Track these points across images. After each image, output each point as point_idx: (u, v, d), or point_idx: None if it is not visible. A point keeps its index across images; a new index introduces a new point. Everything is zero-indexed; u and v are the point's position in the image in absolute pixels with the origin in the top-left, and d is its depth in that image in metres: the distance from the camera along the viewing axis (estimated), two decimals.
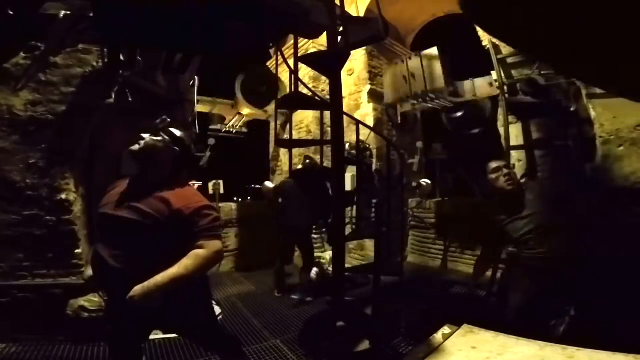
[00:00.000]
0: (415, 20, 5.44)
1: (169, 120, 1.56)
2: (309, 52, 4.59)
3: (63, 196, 2.52)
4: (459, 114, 4.84)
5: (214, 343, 1.70)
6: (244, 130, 6.45)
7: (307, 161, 3.86)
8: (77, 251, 2.55)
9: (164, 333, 2.28)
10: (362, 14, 4.63)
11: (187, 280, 1.26)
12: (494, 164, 2.03)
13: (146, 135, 1.46)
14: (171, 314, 1.41)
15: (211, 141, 4.82)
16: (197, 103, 4.24)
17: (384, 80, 4.78)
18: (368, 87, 4.96)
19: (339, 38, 2.26)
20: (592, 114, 2.51)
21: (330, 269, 4.10)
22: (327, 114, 2.34)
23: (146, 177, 1.45)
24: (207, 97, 5.46)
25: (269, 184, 4.30)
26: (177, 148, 1.47)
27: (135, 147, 1.44)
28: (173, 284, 1.23)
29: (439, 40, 4.50)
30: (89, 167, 2.86)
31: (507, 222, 1.96)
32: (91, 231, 2.83)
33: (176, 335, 2.40)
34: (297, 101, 2.58)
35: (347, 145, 3.78)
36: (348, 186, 3.93)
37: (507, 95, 3.17)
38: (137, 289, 1.20)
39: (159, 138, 1.46)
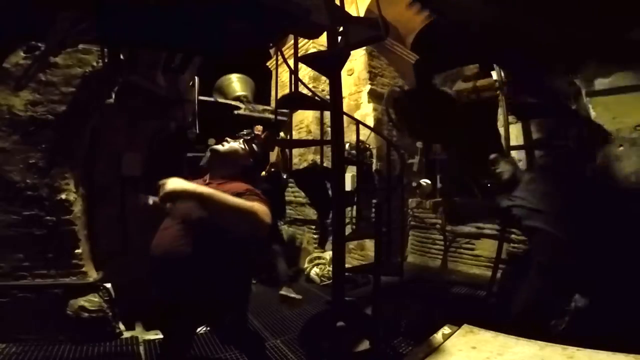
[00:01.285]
0: (416, 20, 5.44)
1: (254, 134, 1.76)
2: (309, 52, 4.59)
3: (63, 196, 2.52)
4: None
5: (240, 338, 1.74)
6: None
7: (272, 169, 4.03)
8: (77, 251, 2.55)
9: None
10: (362, 14, 4.63)
11: (219, 208, 1.22)
12: (492, 156, 2.40)
13: (231, 141, 1.67)
14: (211, 301, 1.45)
15: (211, 141, 4.80)
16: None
17: None
18: (368, 87, 4.95)
19: (339, 38, 2.25)
20: (592, 114, 2.51)
21: (330, 269, 4.11)
22: (327, 114, 2.34)
23: (218, 173, 1.60)
24: (208, 98, 5.45)
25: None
26: (251, 159, 1.68)
27: (220, 147, 1.63)
28: (205, 197, 1.22)
29: (440, 40, 4.51)
30: (89, 167, 2.87)
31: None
32: (91, 231, 2.84)
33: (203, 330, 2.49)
34: (297, 101, 2.58)
35: (347, 145, 3.79)
36: (348, 186, 3.93)
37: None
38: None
39: (243, 146, 1.67)
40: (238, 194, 1.34)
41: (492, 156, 2.41)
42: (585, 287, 1.80)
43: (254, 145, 1.72)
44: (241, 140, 1.71)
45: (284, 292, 3.55)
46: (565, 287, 1.78)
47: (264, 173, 4.13)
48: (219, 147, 1.65)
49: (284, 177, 4.29)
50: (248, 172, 1.65)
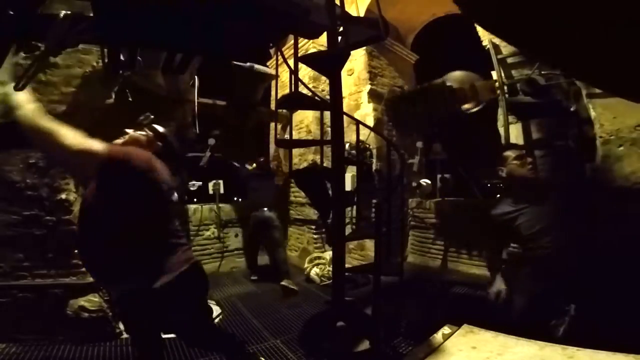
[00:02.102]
0: (415, 20, 5.44)
1: (152, 116, 1.70)
2: (309, 52, 4.59)
3: (63, 196, 2.52)
4: None
5: (212, 343, 1.74)
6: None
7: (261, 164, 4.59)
8: (77, 251, 2.55)
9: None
10: (362, 14, 4.63)
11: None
12: (514, 152, 1.98)
13: (130, 130, 1.57)
14: (168, 314, 1.44)
15: (211, 141, 4.81)
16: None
17: None
18: (368, 87, 4.95)
19: (339, 38, 2.25)
20: (592, 114, 2.50)
21: (330, 269, 4.11)
22: (327, 114, 2.34)
23: None
24: (207, 99, 5.45)
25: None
26: (159, 143, 1.59)
27: (119, 140, 1.54)
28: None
29: (439, 40, 4.52)
30: None
31: (517, 214, 1.89)
32: None
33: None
34: (297, 101, 2.58)
35: (347, 145, 3.80)
36: (348, 186, 3.94)
37: (507, 95, 3.16)
38: None
39: (143, 132, 1.58)
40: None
41: (516, 153, 1.95)
42: (586, 289, 1.80)
43: (157, 127, 1.64)
44: (142, 127, 1.63)
45: (284, 283, 3.62)
46: (566, 290, 1.77)
47: (252, 167, 4.58)
48: (118, 141, 1.57)
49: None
50: (163, 155, 1.56)
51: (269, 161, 4.76)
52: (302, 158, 5.30)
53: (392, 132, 5.03)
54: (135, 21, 1.51)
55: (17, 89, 1.49)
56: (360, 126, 2.82)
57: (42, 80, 2.47)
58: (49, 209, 2.48)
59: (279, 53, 2.66)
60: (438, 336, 1.38)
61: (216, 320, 3.05)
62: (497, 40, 3.26)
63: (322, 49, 4.46)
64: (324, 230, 4.89)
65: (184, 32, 1.63)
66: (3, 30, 1.69)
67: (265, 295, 3.76)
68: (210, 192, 4.97)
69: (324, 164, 2.96)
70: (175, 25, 1.56)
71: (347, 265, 2.43)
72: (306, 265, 4.46)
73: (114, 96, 2.73)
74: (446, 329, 1.42)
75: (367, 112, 4.87)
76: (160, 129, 1.64)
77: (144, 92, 3.03)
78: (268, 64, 6.10)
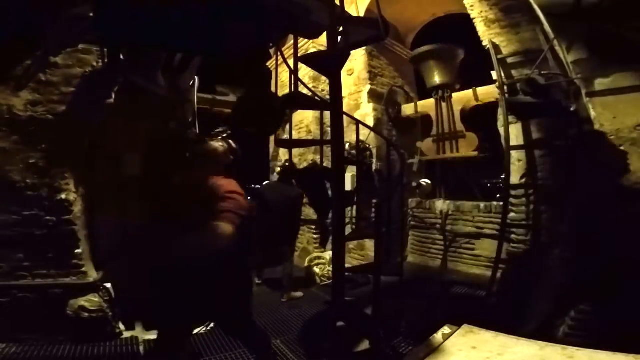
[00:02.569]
0: (415, 20, 5.44)
1: (229, 131, 1.80)
2: (309, 52, 4.59)
3: (63, 196, 2.52)
4: None
5: (249, 335, 1.84)
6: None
7: (287, 164, 4.06)
8: (77, 251, 2.55)
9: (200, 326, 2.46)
10: (362, 14, 4.63)
11: None
12: None
13: (208, 140, 1.65)
14: (217, 306, 1.54)
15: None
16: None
17: None
18: (368, 87, 4.95)
19: (339, 38, 2.25)
20: (592, 114, 2.50)
21: (330, 269, 4.11)
22: (327, 114, 2.34)
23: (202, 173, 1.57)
24: (206, 95, 5.44)
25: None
26: (232, 157, 1.68)
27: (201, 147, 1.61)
28: None
29: (439, 40, 4.53)
30: (89, 167, 2.87)
31: None
32: (91, 231, 2.84)
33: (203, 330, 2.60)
34: (297, 101, 2.58)
35: (347, 145, 3.79)
36: (348, 186, 3.93)
37: (507, 95, 3.16)
38: None
39: (221, 144, 1.66)
40: (217, 198, 1.40)
41: None
42: (587, 289, 1.80)
43: (231, 142, 1.71)
44: (219, 138, 1.69)
45: (285, 299, 3.54)
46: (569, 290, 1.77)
47: (278, 169, 4.24)
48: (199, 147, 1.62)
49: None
50: (229, 170, 1.65)
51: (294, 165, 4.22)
52: (302, 158, 5.30)
53: (392, 132, 5.03)
54: (135, 21, 1.51)
55: (17, 89, 1.49)
56: (360, 126, 2.82)
57: (42, 80, 2.47)
58: (49, 209, 2.48)
59: (279, 53, 2.66)
60: (438, 336, 1.38)
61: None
62: (497, 40, 3.26)
63: (322, 49, 4.46)
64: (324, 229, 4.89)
65: (184, 33, 1.63)
66: (3, 30, 1.70)
67: (265, 295, 3.76)
68: None
69: (324, 164, 2.96)
70: (176, 25, 1.56)
71: (347, 265, 2.43)
72: (306, 265, 4.46)
73: (114, 96, 2.73)
74: (446, 329, 1.42)
75: (367, 112, 4.87)
76: (234, 144, 1.71)
77: (144, 92, 3.02)
78: (268, 63, 6.11)
